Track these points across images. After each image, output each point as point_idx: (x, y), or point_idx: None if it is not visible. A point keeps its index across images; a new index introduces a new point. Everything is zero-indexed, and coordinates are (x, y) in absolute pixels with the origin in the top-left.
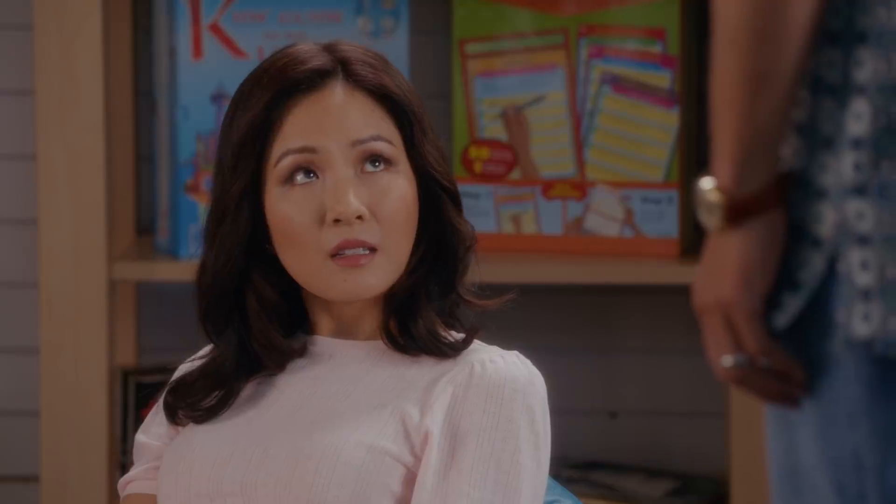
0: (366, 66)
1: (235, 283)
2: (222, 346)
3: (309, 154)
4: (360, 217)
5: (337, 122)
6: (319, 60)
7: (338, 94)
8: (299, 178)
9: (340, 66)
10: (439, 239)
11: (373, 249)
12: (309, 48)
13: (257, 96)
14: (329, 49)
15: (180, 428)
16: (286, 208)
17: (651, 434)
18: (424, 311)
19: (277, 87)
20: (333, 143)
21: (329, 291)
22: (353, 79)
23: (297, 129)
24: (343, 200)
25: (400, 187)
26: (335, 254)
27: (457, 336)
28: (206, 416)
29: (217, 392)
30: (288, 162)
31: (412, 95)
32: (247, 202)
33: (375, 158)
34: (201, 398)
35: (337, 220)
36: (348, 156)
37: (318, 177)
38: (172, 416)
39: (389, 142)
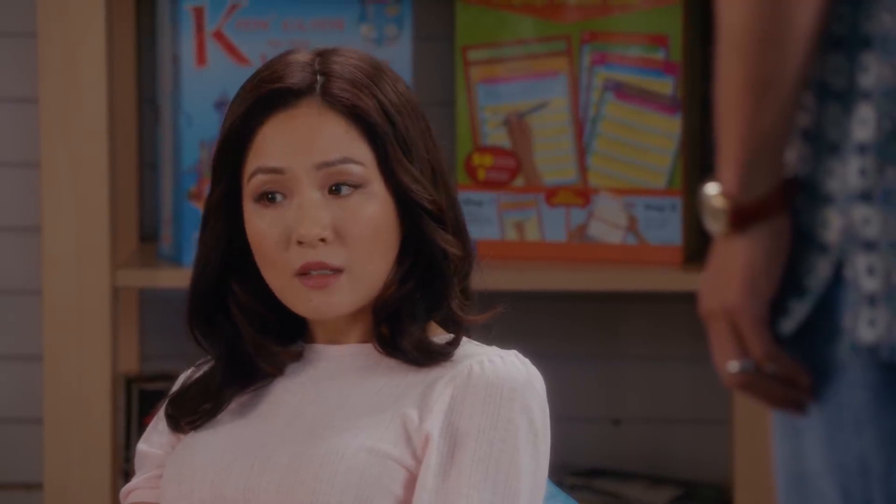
0: (345, 84)
1: (215, 289)
2: (211, 351)
3: (276, 175)
4: (323, 240)
5: (306, 143)
6: (298, 77)
7: (312, 113)
8: (269, 197)
9: (320, 84)
10: (427, 253)
11: (338, 270)
12: (295, 60)
13: (237, 105)
14: (318, 60)
15: (182, 436)
16: (257, 225)
17: (654, 441)
18: (410, 328)
19: (252, 102)
20: (300, 164)
21: (298, 308)
22: (329, 98)
23: (268, 148)
24: (305, 223)
25: (369, 208)
26: (302, 273)
27: (448, 337)
28: (201, 420)
29: (209, 397)
30: (257, 181)
31: (396, 110)
32: (224, 210)
33: (344, 182)
34: (195, 404)
35: (301, 242)
36: (314, 178)
37: (286, 197)
38: (175, 424)
39: (360, 163)
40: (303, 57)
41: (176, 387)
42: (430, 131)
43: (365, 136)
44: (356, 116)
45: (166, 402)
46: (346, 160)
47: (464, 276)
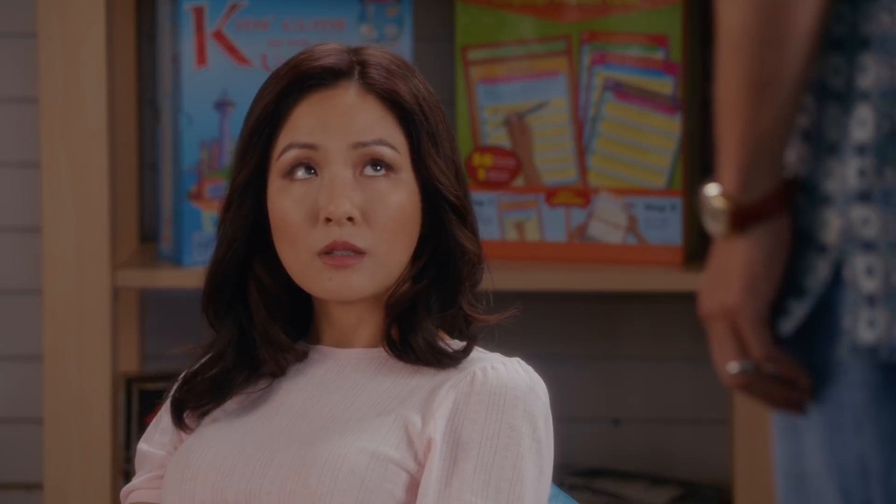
0: (382, 71)
1: (237, 272)
2: (223, 335)
3: (309, 150)
4: (351, 219)
5: (342, 122)
6: (335, 59)
7: (349, 94)
8: (299, 173)
9: (357, 68)
10: (444, 251)
11: (361, 253)
12: (332, 47)
13: (271, 87)
14: (352, 51)
15: (183, 435)
16: (283, 202)
17: (654, 441)
18: (424, 324)
19: (290, 80)
20: (335, 142)
21: (316, 289)
22: (367, 82)
23: (303, 125)
24: (335, 200)
25: (398, 194)
26: (325, 253)
27: (458, 345)
28: (208, 406)
29: (216, 382)
30: (289, 156)
31: (428, 105)
32: (251, 191)
33: (377, 163)
34: (202, 389)
35: (328, 220)
36: (348, 157)
37: (317, 174)
38: (179, 415)
39: (394, 148)
40: (337, 46)
41: (182, 377)
42: (453, 136)
43: (400, 123)
44: (393, 102)
45: (173, 392)
46: (381, 142)
47: (475, 282)
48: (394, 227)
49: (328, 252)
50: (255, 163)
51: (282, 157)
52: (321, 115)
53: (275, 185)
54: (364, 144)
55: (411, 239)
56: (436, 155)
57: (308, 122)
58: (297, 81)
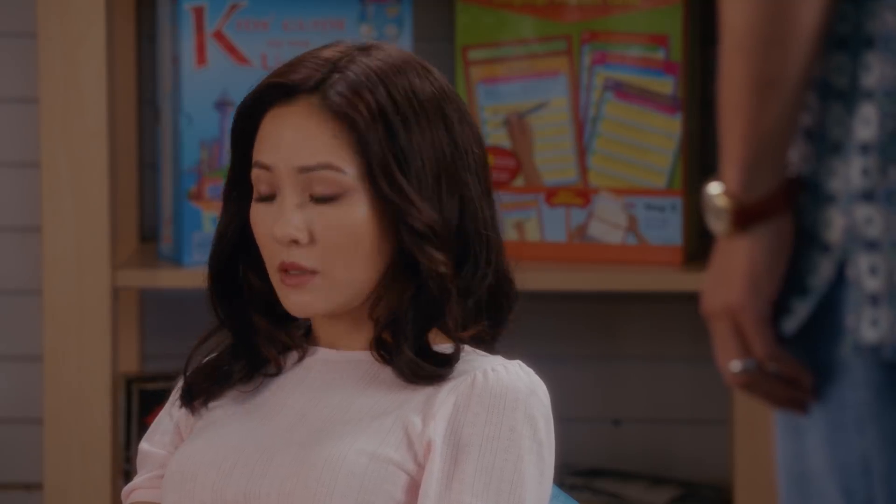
0: (346, 88)
1: (229, 267)
2: (225, 326)
3: (265, 171)
4: (297, 241)
5: (292, 143)
6: (303, 74)
7: (304, 113)
8: (262, 189)
9: (326, 84)
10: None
11: (313, 272)
12: (319, 55)
13: (248, 95)
14: (344, 58)
15: (184, 432)
16: (255, 216)
17: (655, 441)
18: (403, 344)
19: (260, 89)
20: (284, 164)
21: (282, 302)
22: (326, 100)
23: (265, 141)
24: (279, 223)
25: (348, 217)
26: (282, 270)
27: (447, 348)
28: (213, 391)
29: (221, 370)
30: (254, 174)
31: (403, 118)
32: (234, 194)
33: (319, 190)
34: (210, 374)
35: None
36: (296, 180)
37: (276, 194)
38: (189, 399)
39: (341, 170)
40: (329, 53)
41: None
42: (454, 136)
43: (355, 143)
44: (350, 122)
45: (187, 372)
46: (324, 166)
47: (466, 291)
48: (344, 249)
49: (284, 270)
50: (235, 168)
51: (252, 170)
52: (277, 135)
53: (255, 193)
54: (308, 169)
55: (373, 257)
56: (398, 174)
57: (268, 141)
58: (264, 92)
